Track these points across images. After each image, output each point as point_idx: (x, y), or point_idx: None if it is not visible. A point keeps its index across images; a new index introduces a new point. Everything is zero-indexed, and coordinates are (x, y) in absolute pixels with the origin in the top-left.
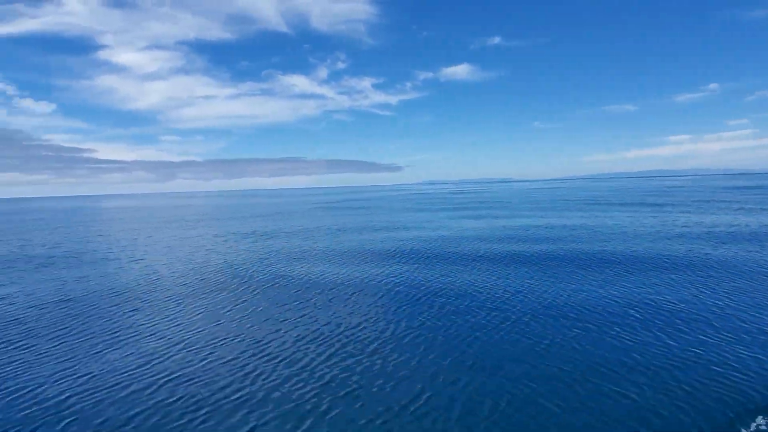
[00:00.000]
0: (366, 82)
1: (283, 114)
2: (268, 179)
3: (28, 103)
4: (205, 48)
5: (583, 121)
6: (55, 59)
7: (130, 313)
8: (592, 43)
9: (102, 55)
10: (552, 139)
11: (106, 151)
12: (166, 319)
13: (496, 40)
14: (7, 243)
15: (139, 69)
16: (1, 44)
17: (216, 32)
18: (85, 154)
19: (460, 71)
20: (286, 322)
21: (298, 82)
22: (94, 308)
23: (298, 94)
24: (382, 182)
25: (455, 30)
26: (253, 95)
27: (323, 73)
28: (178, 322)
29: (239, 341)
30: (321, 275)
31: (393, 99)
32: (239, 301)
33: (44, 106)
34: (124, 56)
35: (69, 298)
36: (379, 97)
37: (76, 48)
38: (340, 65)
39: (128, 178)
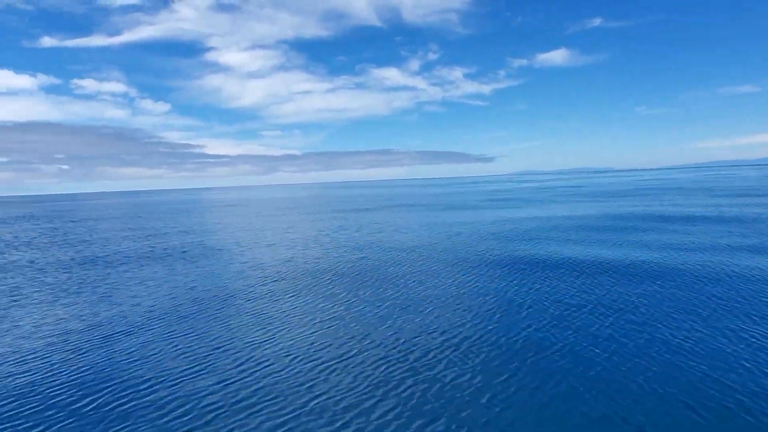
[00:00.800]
0: (458, 72)
1: (376, 106)
2: (361, 171)
3: (147, 103)
4: (302, 45)
5: (693, 105)
6: (169, 62)
7: (280, 301)
8: (702, 21)
9: (210, 56)
10: (657, 125)
11: (213, 147)
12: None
13: (597, 22)
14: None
15: (243, 68)
16: (125, 51)
17: (312, 30)
18: (196, 150)
19: (557, 57)
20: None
21: (390, 74)
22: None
23: (391, 87)
24: (474, 173)
25: (551, 14)
26: (347, 89)
27: (415, 65)
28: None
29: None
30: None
31: (485, 88)
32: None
33: (161, 106)
34: (229, 57)
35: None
36: (471, 87)
37: (187, 51)
38: (432, 56)
39: (233, 172)
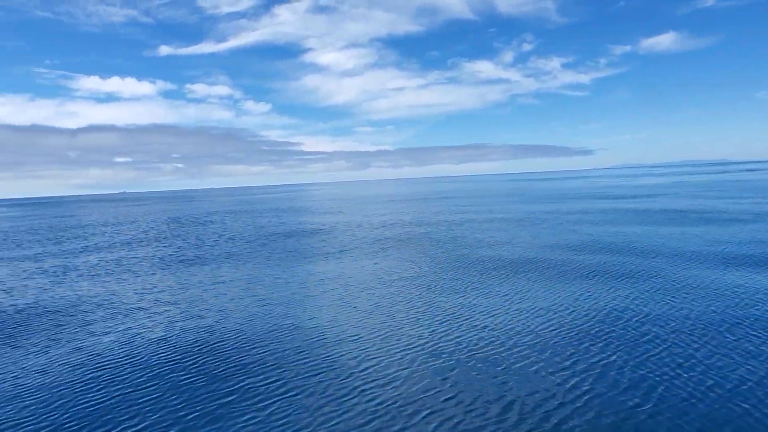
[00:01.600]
0: (554, 63)
1: (469, 101)
2: (454, 166)
3: (250, 104)
4: (395, 42)
5: None
6: (270, 65)
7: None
8: None
9: (307, 57)
10: None
11: (311, 144)
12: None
13: (709, 1)
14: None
15: (338, 67)
16: (230, 56)
17: (405, 26)
18: (295, 147)
19: (664, 41)
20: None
21: (483, 67)
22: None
23: (484, 80)
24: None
25: None
26: (440, 84)
27: (508, 56)
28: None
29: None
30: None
31: (584, 78)
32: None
33: (262, 107)
34: (326, 57)
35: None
36: (569, 77)
37: (286, 53)
38: (527, 47)
39: (329, 168)
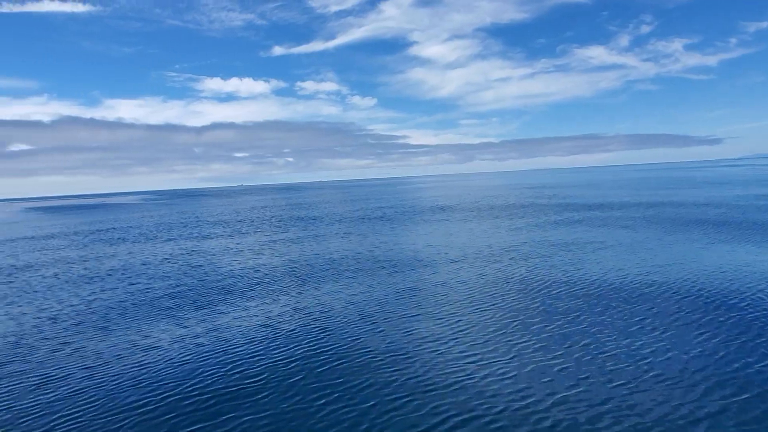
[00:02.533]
0: (676, 44)
1: (579, 89)
2: (562, 158)
3: (356, 99)
4: (500, 31)
5: None
6: (376, 60)
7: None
8: None
9: (412, 51)
10: None
11: (415, 137)
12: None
13: None
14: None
15: (442, 60)
16: (337, 53)
17: (510, 14)
18: (400, 141)
19: None
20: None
21: (595, 53)
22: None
23: (595, 67)
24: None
25: None
26: (547, 72)
27: (624, 40)
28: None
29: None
30: None
31: (711, 59)
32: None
33: (368, 101)
34: (430, 50)
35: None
36: (693, 60)
37: (391, 47)
38: (645, 29)
39: (433, 161)
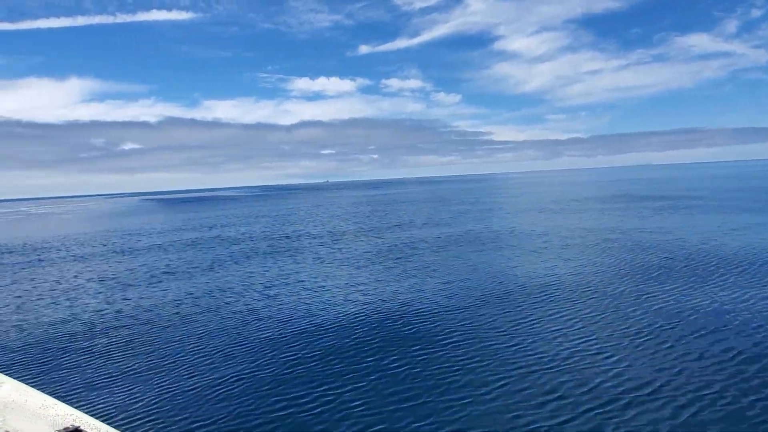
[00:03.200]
0: None
1: (677, 80)
2: (656, 153)
3: (440, 96)
4: (592, 22)
5: None
6: (460, 56)
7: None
8: None
9: (497, 45)
10: None
11: (500, 133)
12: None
13: None
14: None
15: (529, 53)
16: (422, 50)
17: (604, 3)
18: (484, 137)
19: None
20: None
21: (697, 41)
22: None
23: (698, 55)
24: None
25: None
26: (642, 63)
27: (731, 26)
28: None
29: None
30: None
31: None
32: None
33: (452, 98)
34: (516, 43)
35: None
36: None
37: (476, 43)
38: (755, 13)
39: (518, 157)
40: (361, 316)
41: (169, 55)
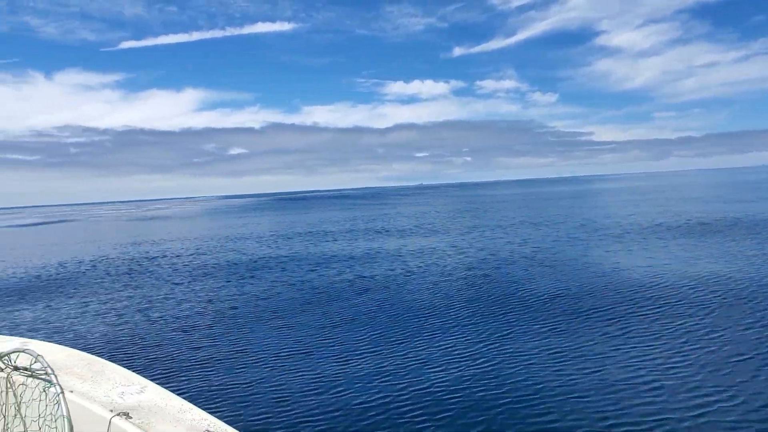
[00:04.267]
0: None
1: None
2: None
3: (536, 96)
4: (707, 10)
5: None
6: (557, 54)
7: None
8: None
9: (598, 41)
10: None
11: (600, 133)
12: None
13: None
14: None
15: (633, 48)
16: (517, 49)
17: None
18: (583, 137)
19: None
20: None
21: None
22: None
23: None
24: None
25: None
26: (766, 54)
27: None
28: None
29: None
30: None
31: None
32: None
33: (549, 97)
34: (619, 38)
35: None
36: None
37: (575, 39)
38: None
39: (621, 158)
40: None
41: (272, 64)
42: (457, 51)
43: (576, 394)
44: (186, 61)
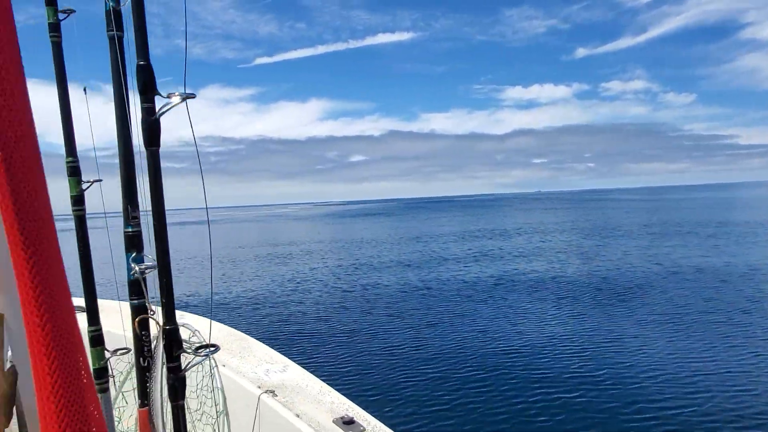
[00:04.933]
0: None
1: None
2: None
3: (669, 97)
4: None
5: None
6: (695, 50)
7: None
8: None
9: (743, 34)
10: None
11: (747, 136)
12: None
13: None
14: None
15: None
16: (647, 48)
17: None
18: (725, 141)
19: None
20: None
21: None
22: None
23: None
24: None
25: None
26: None
27: None
28: None
29: None
30: None
31: None
32: None
33: (684, 98)
34: None
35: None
36: None
37: (716, 34)
38: None
39: None
40: None
41: (391, 73)
42: (581, 52)
43: None
44: (311, 74)
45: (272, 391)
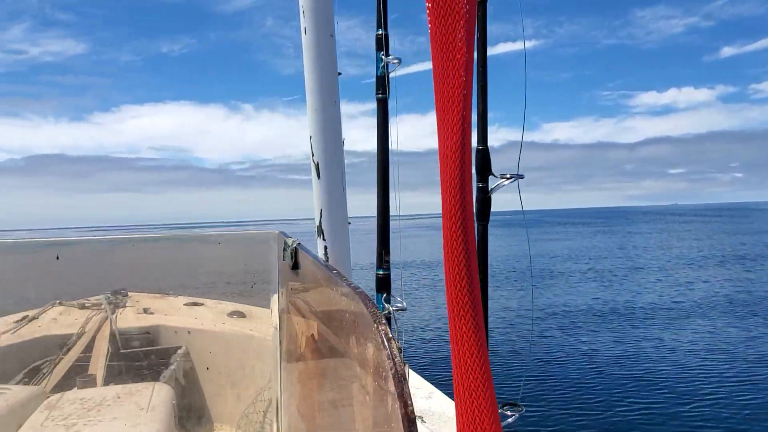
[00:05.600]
0: None
1: None
2: None
3: None
4: None
5: None
6: None
7: None
8: None
9: None
10: None
11: None
12: None
13: None
14: None
15: None
16: None
17: None
18: None
19: None
20: None
21: None
22: None
23: None
24: None
25: None
26: None
27: None
28: None
29: None
30: None
31: None
32: None
33: None
34: None
35: None
36: None
37: None
38: None
39: None
40: None
41: (512, 82)
42: (726, 51)
43: None
44: (431, 87)
45: (421, 417)
